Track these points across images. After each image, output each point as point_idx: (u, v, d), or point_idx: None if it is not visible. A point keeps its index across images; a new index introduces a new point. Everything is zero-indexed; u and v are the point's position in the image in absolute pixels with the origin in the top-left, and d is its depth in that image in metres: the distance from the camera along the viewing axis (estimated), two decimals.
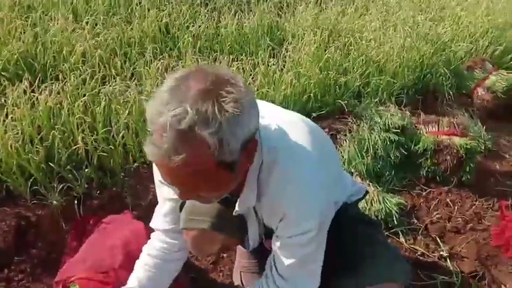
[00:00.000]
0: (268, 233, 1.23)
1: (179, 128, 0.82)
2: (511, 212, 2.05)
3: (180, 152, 0.84)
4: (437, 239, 1.93)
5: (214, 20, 2.85)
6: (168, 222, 1.30)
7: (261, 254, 1.40)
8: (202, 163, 0.87)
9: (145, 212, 1.75)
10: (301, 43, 2.67)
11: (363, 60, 2.55)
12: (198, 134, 0.83)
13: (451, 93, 2.64)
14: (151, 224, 1.34)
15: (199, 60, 2.43)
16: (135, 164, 1.89)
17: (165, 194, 1.25)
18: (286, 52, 2.59)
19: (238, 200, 1.11)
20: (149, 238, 1.36)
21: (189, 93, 0.85)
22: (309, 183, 1.06)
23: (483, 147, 2.41)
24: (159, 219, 1.31)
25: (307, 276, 1.19)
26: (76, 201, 1.72)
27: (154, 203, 1.56)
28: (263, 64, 2.42)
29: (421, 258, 1.84)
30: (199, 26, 2.74)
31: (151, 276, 1.30)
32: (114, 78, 2.18)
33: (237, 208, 1.12)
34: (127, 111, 1.87)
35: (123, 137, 1.84)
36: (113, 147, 1.83)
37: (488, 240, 1.94)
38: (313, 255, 1.15)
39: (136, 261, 1.33)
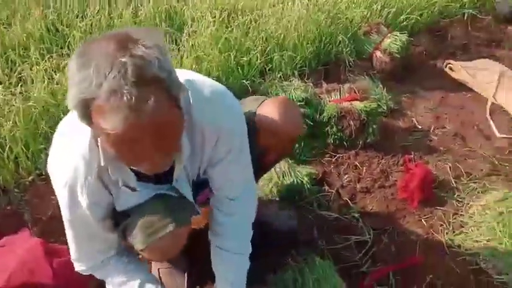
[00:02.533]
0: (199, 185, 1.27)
1: (130, 79, 0.79)
2: (415, 164, 2.17)
3: (146, 98, 0.80)
4: (349, 201, 2.00)
5: (106, 11, 2.71)
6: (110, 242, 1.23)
7: None
8: (166, 102, 0.84)
9: (48, 227, 1.66)
10: (200, 26, 2.62)
11: (263, 37, 2.55)
12: (149, 75, 0.81)
13: (350, 60, 2.72)
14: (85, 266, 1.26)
15: None
16: (30, 177, 1.76)
17: (99, 214, 1.14)
18: (189, 37, 2.53)
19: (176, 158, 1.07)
20: (47, 255, 1.28)
21: (109, 51, 0.81)
22: (225, 94, 1.19)
23: (385, 108, 2.53)
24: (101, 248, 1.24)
25: (250, 182, 1.34)
26: None
27: (56, 215, 1.48)
28: None
29: (335, 222, 1.90)
30: (90, 20, 2.59)
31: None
32: None
33: (178, 167, 1.10)
34: (10, 122, 1.73)
35: (11, 150, 1.70)
36: (0, 163, 1.69)
37: (395, 195, 2.05)
38: (248, 157, 1.27)
39: None
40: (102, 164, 1.02)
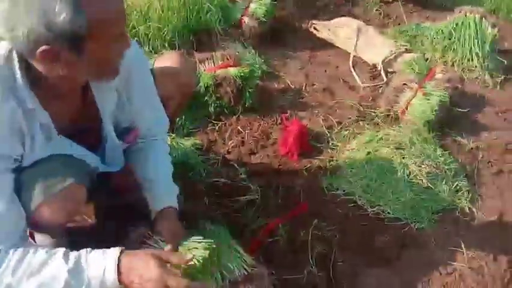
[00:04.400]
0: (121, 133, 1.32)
1: None
2: (290, 121, 2.29)
3: None
4: (235, 165, 2.05)
5: None
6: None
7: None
8: None
9: None
10: None
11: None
12: None
13: (220, 28, 2.73)
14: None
15: None
16: None
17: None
18: None
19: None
20: None
21: None
22: None
23: (259, 72, 2.59)
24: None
25: (160, 107, 1.41)
26: None
27: None
28: None
29: (225, 187, 1.93)
30: None
31: None
32: None
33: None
34: None
35: None
36: None
37: (277, 152, 2.14)
38: (152, 84, 1.36)
39: None
40: (31, 106, 1.02)
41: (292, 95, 2.54)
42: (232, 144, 2.17)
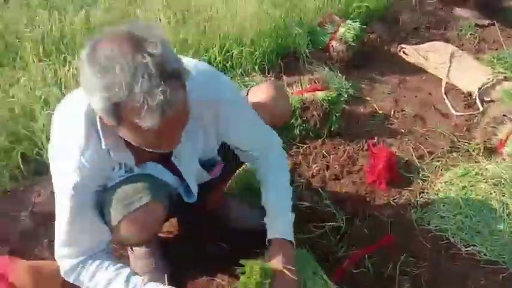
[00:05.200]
0: (207, 165, 1.36)
1: (157, 79, 0.88)
2: (378, 147, 2.24)
3: (175, 89, 0.91)
4: (320, 190, 2.04)
5: (56, 19, 2.62)
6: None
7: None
8: (183, 86, 0.95)
9: (18, 244, 1.61)
10: None
11: (220, 35, 2.55)
12: (169, 69, 0.91)
13: (308, 52, 2.76)
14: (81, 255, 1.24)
15: (46, 67, 2.23)
16: None
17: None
18: None
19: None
20: (16, 271, 1.24)
21: (126, 54, 0.88)
22: (206, 67, 1.25)
23: (346, 96, 2.58)
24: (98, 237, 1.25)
25: (267, 130, 1.44)
26: None
27: (26, 231, 1.45)
28: None
29: (308, 211, 1.92)
30: (41, 29, 2.50)
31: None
32: None
33: (181, 143, 1.15)
34: None
35: None
36: None
37: (364, 179, 2.10)
38: (254, 113, 1.37)
39: None
40: (104, 147, 1.09)
41: (380, 120, 2.49)
42: (317, 168, 2.16)
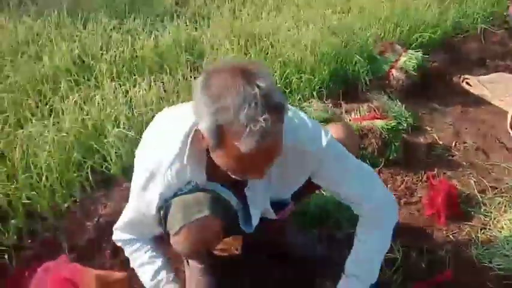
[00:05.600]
0: (278, 206, 1.40)
1: (262, 109, 0.97)
2: (438, 180, 2.18)
3: (275, 121, 0.99)
4: None
5: (128, 43, 2.82)
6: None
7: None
8: (282, 121, 1.03)
9: (84, 252, 1.71)
10: (220, 53, 2.70)
11: (280, 61, 2.62)
12: (273, 102, 0.99)
13: (367, 79, 2.77)
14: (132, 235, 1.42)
15: (118, 87, 2.39)
16: (65, 205, 1.82)
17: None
18: (207, 65, 2.62)
19: None
20: (85, 279, 1.33)
21: (238, 85, 0.98)
22: (296, 112, 1.28)
23: (405, 125, 2.54)
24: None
25: (365, 171, 1.42)
26: (7, 255, 1.63)
27: (92, 240, 1.53)
28: (185, 79, 2.43)
29: None
30: (114, 52, 2.70)
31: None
32: (30, 120, 2.09)
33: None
34: (46, 152, 1.80)
35: (47, 179, 1.77)
36: (38, 192, 1.75)
37: (422, 212, 2.05)
38: (350, 161, 1.38)
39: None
40: (185, 162, 1.18)
41: (441, 152, 2.43)
42: None
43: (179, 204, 1.25)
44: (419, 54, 2.88)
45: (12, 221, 1.68)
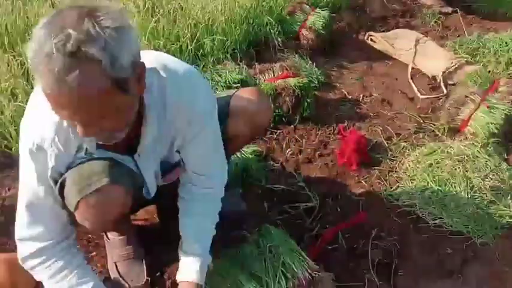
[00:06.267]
0: (163, 167, 1.32)
1: (66, 50, 0.85)
2: (348, 131, 2.31)
3: (73, 70, 0.85)
4: (293, 172, 2.09)
5: (21, 10, 2.56)
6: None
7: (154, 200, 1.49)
8: (97, 81, 0.89)
9: None
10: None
11: (190, 24, 2.55)
12: (86, 52, 0.86)
13: (279, 40, 2.81)
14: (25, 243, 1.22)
15: (12, 58, 2.19)
16: None
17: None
18: None
19: (143, 132, 1.15)
20: None
21: (66, 20, 0.87)
22: (195, 75, 1.24)
23: (316, 82, 2.64)
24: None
25: (221, 162, 1.40)
26: None
27: None
28: None
29: (283, 193, 1.97)
30: (4, 20, 2.44)
31: None
32: None
33: (143, 142, 1.17)
34: None
35: None
36: None
37: (335, 162, 2.16)
38: (219, 138, 1.34)
39: None
40: (65, 125, 1.07)
41: (350, 105, 2.56)
42: (290, 153, 2.21)
43: (73, 177, 1.14)
44: (327, 13, 2.96)
45: None
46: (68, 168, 1.16)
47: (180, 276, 1.36)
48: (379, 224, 1.85)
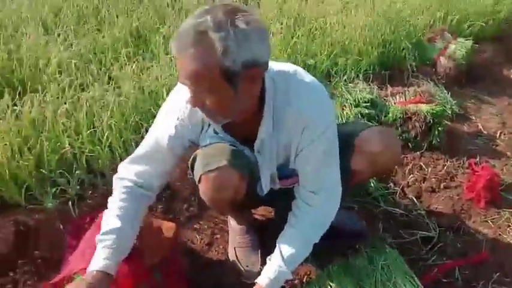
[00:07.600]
0: (281, 172, 1.41)
1: (196, 29, 1.05)
2: (480, 167, 2.19)
3: (194, 45, 1.05)
4: (414, 199, 2.05)
5: (182, 19, 2.94)
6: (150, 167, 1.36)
7: (271, 202, 1.64)
8: (206, 60, 1.06)
9: None
10: (269, 32, 2.78)
11: (328, 42, 2.67)
12: (209, 37, 1.05)
13: (414, 65, 2.78)
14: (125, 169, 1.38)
15: (173, 59, 2.52)
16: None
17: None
18: None
19: (259, 129, 1.28)
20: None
21: (211, 11, 1.07)
22: (319, 89, 1.31)
23: (450, 112, 2.55)
24: (138, 165, 1.36)
25: (332, 180, 1.39)
26: (70, 203, 1.80)
27: None
28: None
29: (400, 218, 1.96)
30: (169, 27, 2.82)
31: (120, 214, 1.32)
32: (92, 85, 2.25)
33: (259, 137, 1.29)
34: (108, 113, 1.95)
35: (108, 138, 1.92)
36: (99, 148, 1.91)
37: (461, 196, 2.07)
38: (333, 157, 1.36)
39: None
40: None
41: (485, 141, 2.43)
42: (413, 179, 2.17)
43: (203, 154, 1.31)
44: (470, 43, 2.85)
45: (77, 171, 1.84)
46: (191, 140, 1.36)
47: (262, 279, 1.38)
48: (502, 268, 1.73)
